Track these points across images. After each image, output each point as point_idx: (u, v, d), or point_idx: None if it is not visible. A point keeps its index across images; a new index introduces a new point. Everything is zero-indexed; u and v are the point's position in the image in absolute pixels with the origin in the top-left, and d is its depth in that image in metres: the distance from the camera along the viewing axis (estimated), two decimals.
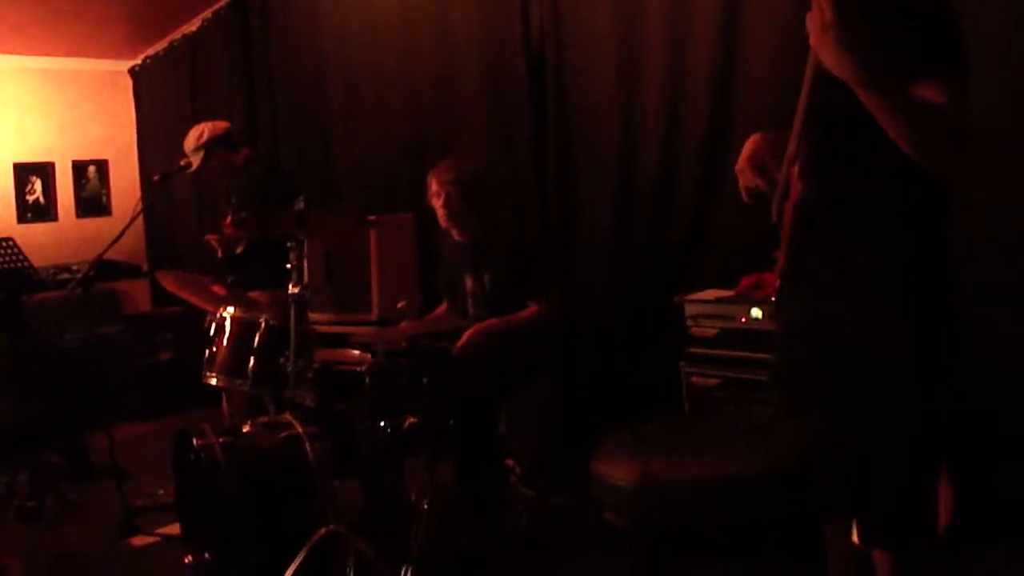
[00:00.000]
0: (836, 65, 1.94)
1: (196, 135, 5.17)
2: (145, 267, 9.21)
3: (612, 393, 4.57)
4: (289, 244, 3.62)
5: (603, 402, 4.59)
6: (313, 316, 5.66)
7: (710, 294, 3.86)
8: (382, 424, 3.55)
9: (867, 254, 2.19)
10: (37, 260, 8.11)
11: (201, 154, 5.12)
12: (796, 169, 2.19)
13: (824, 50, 1.95)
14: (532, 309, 4.05)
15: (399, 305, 3.77)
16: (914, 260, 2.15)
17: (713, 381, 3.73)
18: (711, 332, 3.76)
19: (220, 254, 5.19)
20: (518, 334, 4.01)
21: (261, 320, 3.94)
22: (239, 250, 5.12)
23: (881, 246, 2.18)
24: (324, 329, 5.59)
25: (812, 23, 1.95)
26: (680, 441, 1.98)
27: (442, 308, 4.46)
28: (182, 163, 5.14)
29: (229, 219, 5.21)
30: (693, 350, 3.81)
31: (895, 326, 2.15)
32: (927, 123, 1.98)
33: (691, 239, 4.30)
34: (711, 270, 4.15)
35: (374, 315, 5.29)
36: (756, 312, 3.54)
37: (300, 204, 3.59)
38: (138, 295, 9.27)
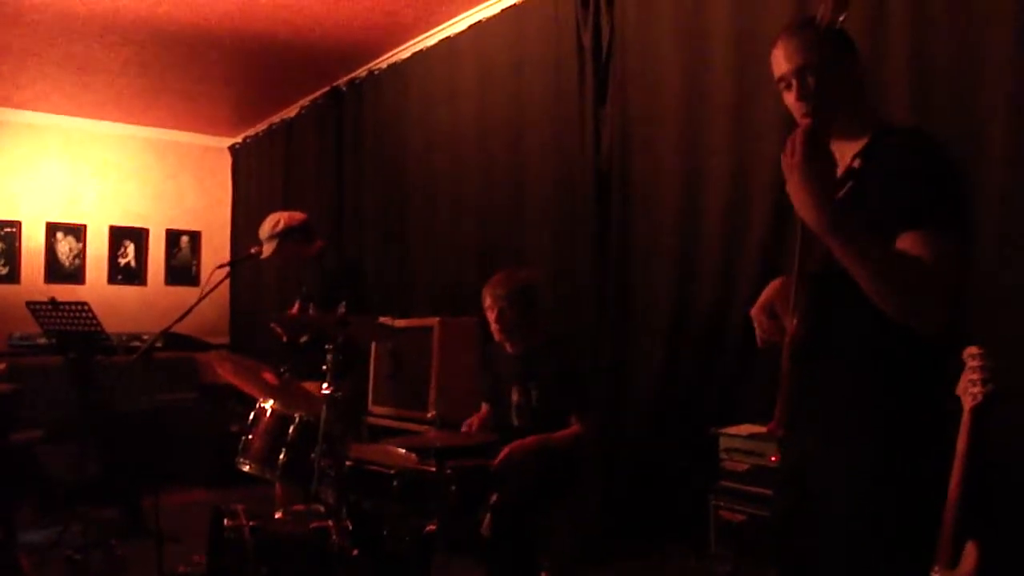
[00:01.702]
0: (799, 205, 1.95)
1: (272, 223, 5.29)
2: (217, 342, 9.37)
3: (645, 516, 4.59)
4: (327, 345, 3.74)
5: (636, 523, 4.61)
6: (375, 409, 5.88)
7: (744, 429, 3.88)
8: (405, 527, 3.62)
9: (852, 408, 2.16)
10: (122, 322, 8.45)
11: (275, 243, 5.23)
12: (796, 314, 2.15)
13: (791, 191, 1.96)
14: (573, 428, 4.06)
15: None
16: (901, 419, 2.08)
17: (740, 517, 3.74)
18: (743, 467, 3.78)
19: (285, 339, 5.30)
20: (556, 452, 4.04)
21: (296, 415, 4.04)
22: (303, 339, 5.21)
23: (867, 401, 2.13)
24: (384, 423, 5.76)
25: (784, 161, 1.97)
26: None
27: (483, 411, 4.49)
28: (252, 251, 5.24)
29: (296, 307, 5.37)
30: (724, 483, 3.84)
31: (877, 487, 2.10)
32: (896, 275, 1.95)
33: (739, 369, 4.29)
34: (756, 403, 4.12)
35: (431, 414, 5.36)
36: None
37: (342, 308, 3.71)
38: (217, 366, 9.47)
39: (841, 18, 1.97)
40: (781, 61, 2.28)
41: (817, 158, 1.94)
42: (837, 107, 2.09)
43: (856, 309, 2.05)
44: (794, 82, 2.24)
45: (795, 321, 2.16)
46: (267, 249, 5.26)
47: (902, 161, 2.09)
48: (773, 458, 3.61)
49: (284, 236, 5.26)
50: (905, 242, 1.98)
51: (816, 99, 2.09)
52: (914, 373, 2.11)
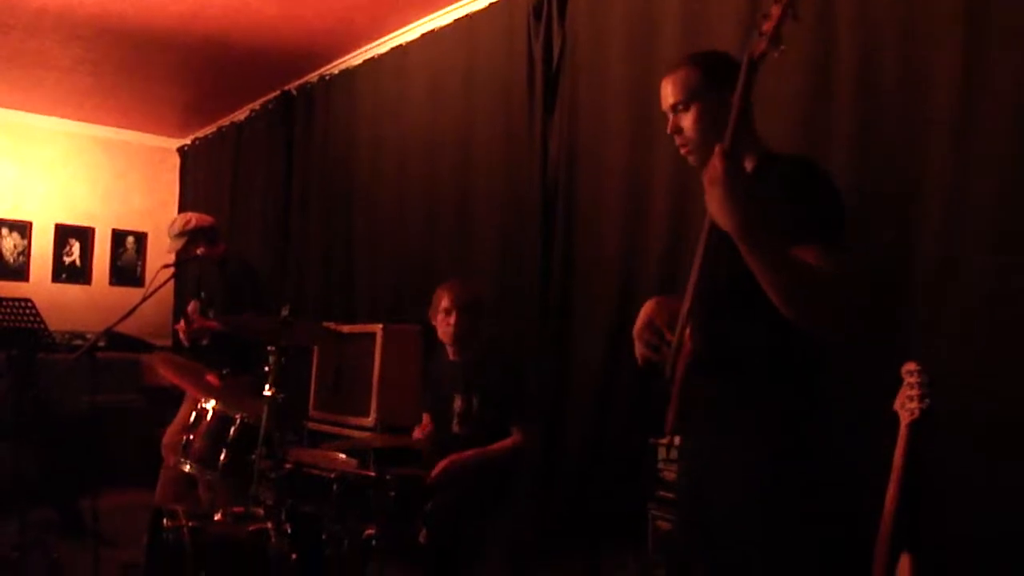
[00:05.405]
0: (720, 218, 2.05)
1: (183, 221, 5.40)
2: (161, 343, 9.26)
3: (585, 524, 4.62)
4: (270, 348, 3.75)
5: (576, 532, 4.63)
6: (315, 414, 5.87)
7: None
8: (343, 532, 3.64)
9: (744, 415, 2.29)
10: (65, 320, 8.36)
11: (183, 240, 5.35)
12: (688, 328, 2.27)
13: (712, 202, 2.06)
14: (513, 438, 4.11)
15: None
16: (789, 424, 2.23)
17: None
18: None
19: (186, 343, 5.32)
20: (493, 465, 4.09)
21: (238, 417, 4.04)
22: (204, 342, 5.26)
23: (758, 408, 2.27)
24: (324, 428, 5.75)
25: (706, 177, 2.08)
26: None
27: (425, 422, 4.50)
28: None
29: (192, 306, 5.38)
30: (662, 493, 3.84)
31: (768, 488, 2.22)
32: (801, 281, 2.08)
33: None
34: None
35: (371, 420, 5.39)
36: None
37: (286, 311, 3.73)
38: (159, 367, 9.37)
39: (777, 53, 2.04)
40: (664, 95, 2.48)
41: (734, 172, 2.05)
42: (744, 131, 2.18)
43: (750, 323, 2.22)
44: (670, 117, 2.45)
45: (689, 334, 2.27)
46: (174, 246, 5.38)
47: (796, 183, 2.25)
48: None
49: (193, 235, 5.36)
50: (803, 253, 2.12)
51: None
52: (800, 376, 2.27)
